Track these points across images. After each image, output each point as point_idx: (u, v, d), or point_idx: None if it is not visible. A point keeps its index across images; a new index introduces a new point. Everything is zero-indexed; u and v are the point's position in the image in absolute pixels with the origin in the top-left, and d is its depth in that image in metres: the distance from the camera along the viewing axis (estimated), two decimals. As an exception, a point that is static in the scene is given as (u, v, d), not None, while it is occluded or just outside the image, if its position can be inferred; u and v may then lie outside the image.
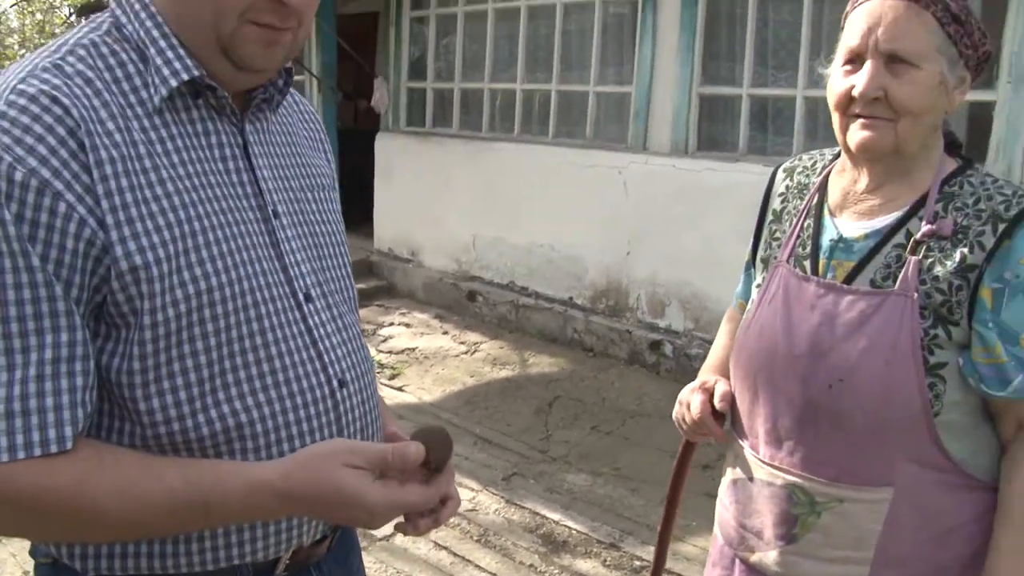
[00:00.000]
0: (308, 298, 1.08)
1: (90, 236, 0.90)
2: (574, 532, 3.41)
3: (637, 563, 3.21)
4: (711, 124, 5.19)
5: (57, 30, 16.44)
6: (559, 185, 5.85)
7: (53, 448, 0.88)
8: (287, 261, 1.07)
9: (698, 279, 5.07)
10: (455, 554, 3.24)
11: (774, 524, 1.44)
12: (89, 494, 0.89)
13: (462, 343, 5.88)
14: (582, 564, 3.21)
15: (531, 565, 3.19)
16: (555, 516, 3.53)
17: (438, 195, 6.80)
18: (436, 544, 3.30)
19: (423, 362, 5.50)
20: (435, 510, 1.04)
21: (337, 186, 1.29)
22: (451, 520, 3.42)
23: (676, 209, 5.12)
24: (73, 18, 16.76)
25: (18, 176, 0.87)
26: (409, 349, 5.71)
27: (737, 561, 1.53)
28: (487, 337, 5.97)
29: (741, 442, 1.52)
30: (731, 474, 1.55)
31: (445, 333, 6.09)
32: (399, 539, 3.31)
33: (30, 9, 16.21)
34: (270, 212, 1.07)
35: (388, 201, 7.38)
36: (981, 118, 4.09)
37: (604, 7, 5.68)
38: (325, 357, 1.08)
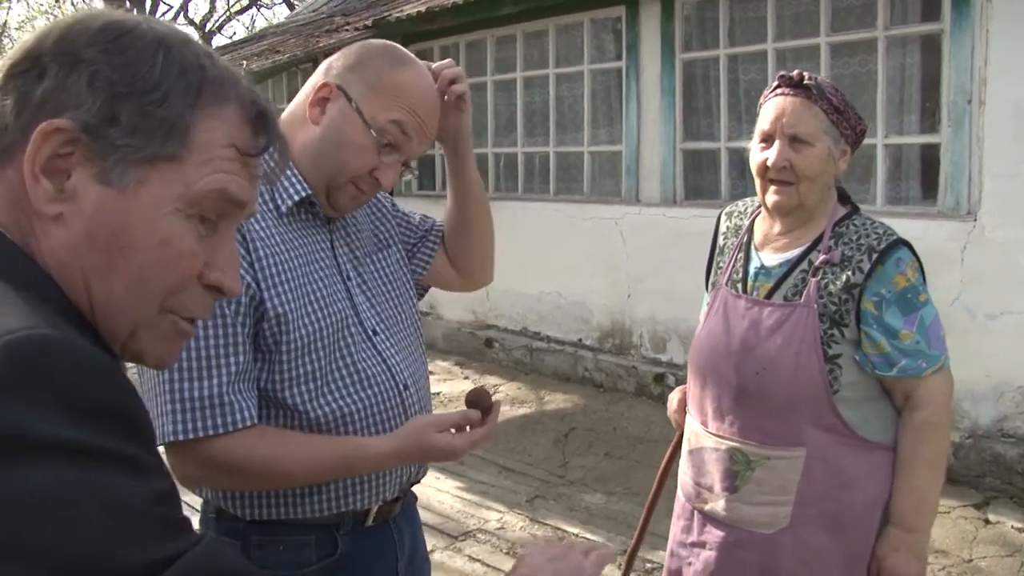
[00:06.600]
0: (375, 332, 1.59)
1: (253, 293, 1.41)
2: (592, 543, 3.86)
3: (648, 565, 3.66)
4: (695, 175, 5.75)
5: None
6: (562, 237, 6.41)
7: (244, 425, 1.38)
8: (358, 309, 1.58)
9: (693, 315, 5.38)
10: (487, 565, 3.71)
11: (720, 479, 1.92)
12: (282, 461, 1.40)
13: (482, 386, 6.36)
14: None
15: (555, 570, 3.64)
16: (574, 530, 3.99)
17: (452, 253, 7.34)
18: (470, 557, 3.77)
19: (448, 405, 5.97)
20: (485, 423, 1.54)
21: (398, 238, 1.75)
22: (482, 538, 3.90)
23: (669, 253, 5.64)
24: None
25: None
26: (434, 394, 6.18)
27: (695, 512, 2.01)
28: (505, 379, 6.47)
29: (695, 421, 2.01)
30: (687, 446, 2.04)
31: (466, 378, 6.58)
32: (436, 555, 3.77)
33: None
34: (345, 278, 1.58)
35: (405, 261, 7.94)
36: (932, 158, 4.62)
37: (592, 75, 6.30)
38: (393, 370, 1.58)
